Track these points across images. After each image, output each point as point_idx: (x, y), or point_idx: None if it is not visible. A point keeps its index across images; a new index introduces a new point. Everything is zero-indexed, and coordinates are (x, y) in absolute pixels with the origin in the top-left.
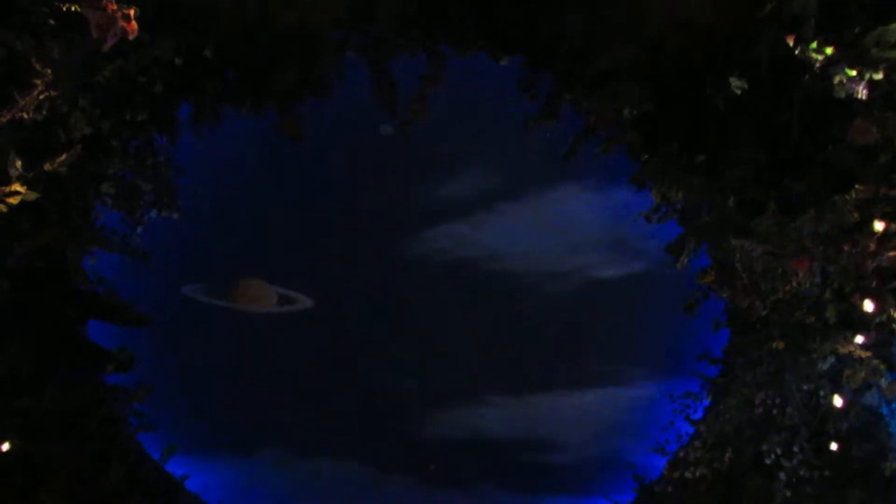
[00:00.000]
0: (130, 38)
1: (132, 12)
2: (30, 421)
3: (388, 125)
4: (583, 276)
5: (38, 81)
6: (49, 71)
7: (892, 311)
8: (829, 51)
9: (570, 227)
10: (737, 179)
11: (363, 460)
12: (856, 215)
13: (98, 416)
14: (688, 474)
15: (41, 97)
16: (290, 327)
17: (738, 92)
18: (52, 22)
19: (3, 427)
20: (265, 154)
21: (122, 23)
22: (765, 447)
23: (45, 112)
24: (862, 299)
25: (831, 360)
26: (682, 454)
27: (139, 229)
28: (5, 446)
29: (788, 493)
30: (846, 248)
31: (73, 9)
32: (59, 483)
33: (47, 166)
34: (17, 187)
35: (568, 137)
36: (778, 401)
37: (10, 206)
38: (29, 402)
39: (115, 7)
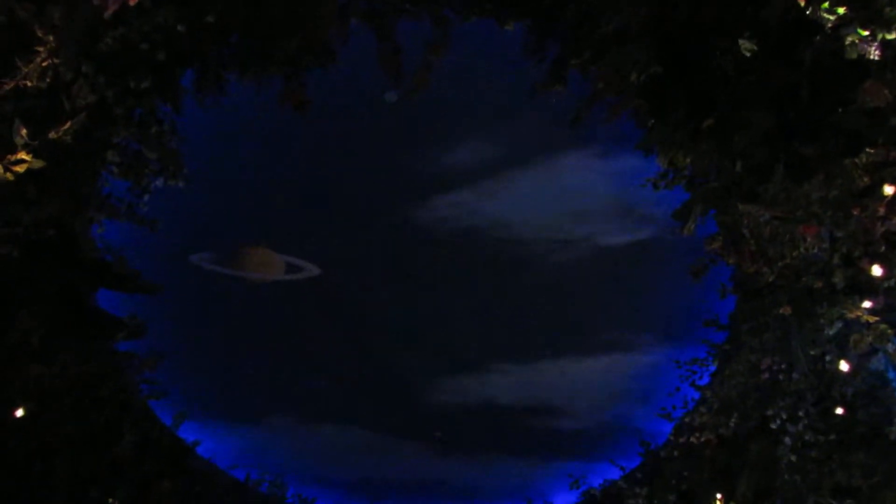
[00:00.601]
0: (132, 4)
1: None
2: (42, 388)
3: (392, 92)
4: (589, 244)
5: (40, 49)
6: (51, 38)
7: None
8: (841, 10)
9: (577, 194)
10: (745, 144)
11: (371, 427)
12: (865, 179)
13: (110, 384)
14: (693, 439)
15: (44, 64)
16: (298, 295)
17: (748, 54)
18: None
19: (16, 394)
20: (270, 122)
21: None
22: (770, 412)
23: (48, 80)
24: (870, 264)
25: (838, 325)
26: (687, 420)
27: (145, 198)
28: (18, 413)
29: (793, 458)
30: (855, 212)
31: None
32: (71, 449)
33: (52, 134)
34: (22, 155)
35: (574, 104)
36: (784, 366)
37: (16, 174)
38: (41, 370)
39: None
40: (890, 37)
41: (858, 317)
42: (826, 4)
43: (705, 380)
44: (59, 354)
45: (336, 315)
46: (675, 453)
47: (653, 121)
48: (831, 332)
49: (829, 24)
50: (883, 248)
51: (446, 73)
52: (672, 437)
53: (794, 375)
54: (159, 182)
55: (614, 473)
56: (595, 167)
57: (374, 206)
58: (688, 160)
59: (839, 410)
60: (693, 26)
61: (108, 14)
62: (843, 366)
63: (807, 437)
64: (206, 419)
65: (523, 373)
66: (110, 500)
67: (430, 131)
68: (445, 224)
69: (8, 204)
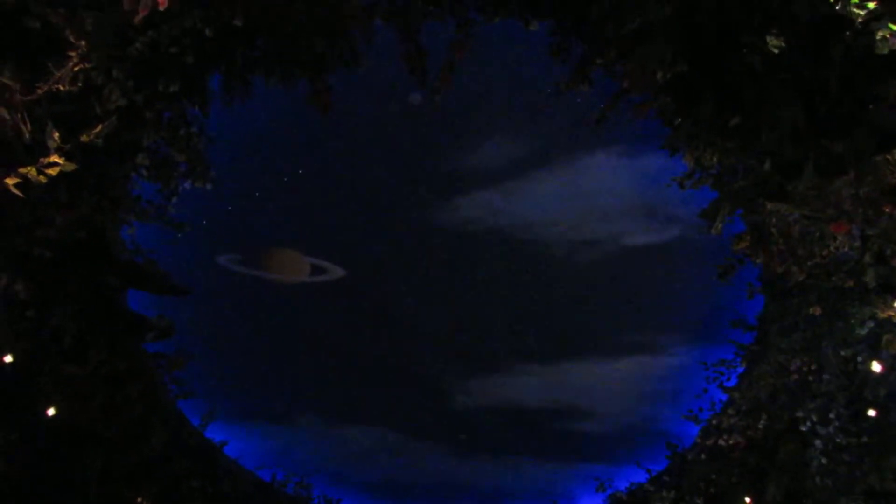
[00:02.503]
0: (161, 8)
1: None
2: (74, 387)
3: (417, 93)
4: (615, 244)
5: (72, 53)
6: (83, 42)
7: None
8: (871, 5)
9: (602, 194)
10: (773, 141)
11: (397, 428)
12: None
13: (140, 383)
14: (721, 442)
15: (75, 69)
16: (324, 297)
17: (776, 50)
18: None
19: (48, 393)
20: (296, 125)
21: None
22: (800, 414)
23: (80, 84)
24: None
25: (870, 324)
26: (715, 422)
27: (174, 200)
28: (50, 412)
29: (824, 461)
30: (886, 209)
31: None
32: (102, 448)
33: (84, 137)
34: (55, 158)
35: (599, 104)
36: (814, 367)
37: (49, 177)
38: (72, 369)
39: None
40: None
41: (891, 316)
42: None
43: (733, 381)
44: (90, 354)
45: (361, 317)
46: (703, 456)
47: (679, 119)
48: (863, 333)
49: (860, 19)
50: None
51: (471, 73)
52: (699, 440)
53: (825, 376)
54: (188, 184)
55: (641, 476)
56: (620, 167)
57: (398, 207)
58: (715, 158)
59: (871, 412)
60: (720, 22)
61: (138, 19)
62: (875, 366)
63: (838, 440)
64: (234, 419)
65: (549, 375)
66: (139, 499)
67: (454, 132)
68: (470, 224)
69: (40, 206)
